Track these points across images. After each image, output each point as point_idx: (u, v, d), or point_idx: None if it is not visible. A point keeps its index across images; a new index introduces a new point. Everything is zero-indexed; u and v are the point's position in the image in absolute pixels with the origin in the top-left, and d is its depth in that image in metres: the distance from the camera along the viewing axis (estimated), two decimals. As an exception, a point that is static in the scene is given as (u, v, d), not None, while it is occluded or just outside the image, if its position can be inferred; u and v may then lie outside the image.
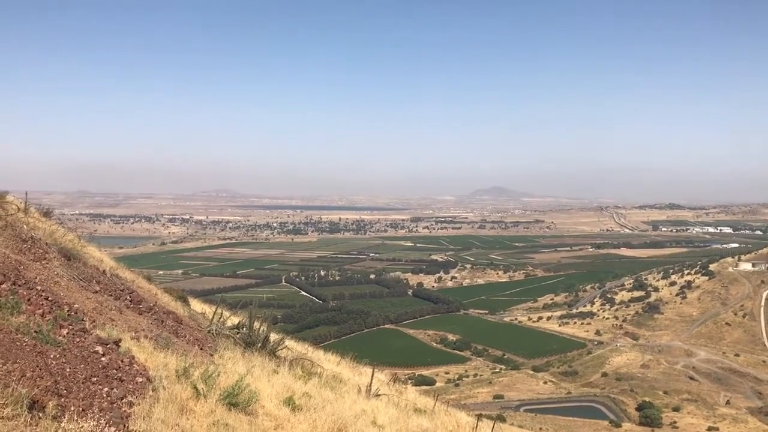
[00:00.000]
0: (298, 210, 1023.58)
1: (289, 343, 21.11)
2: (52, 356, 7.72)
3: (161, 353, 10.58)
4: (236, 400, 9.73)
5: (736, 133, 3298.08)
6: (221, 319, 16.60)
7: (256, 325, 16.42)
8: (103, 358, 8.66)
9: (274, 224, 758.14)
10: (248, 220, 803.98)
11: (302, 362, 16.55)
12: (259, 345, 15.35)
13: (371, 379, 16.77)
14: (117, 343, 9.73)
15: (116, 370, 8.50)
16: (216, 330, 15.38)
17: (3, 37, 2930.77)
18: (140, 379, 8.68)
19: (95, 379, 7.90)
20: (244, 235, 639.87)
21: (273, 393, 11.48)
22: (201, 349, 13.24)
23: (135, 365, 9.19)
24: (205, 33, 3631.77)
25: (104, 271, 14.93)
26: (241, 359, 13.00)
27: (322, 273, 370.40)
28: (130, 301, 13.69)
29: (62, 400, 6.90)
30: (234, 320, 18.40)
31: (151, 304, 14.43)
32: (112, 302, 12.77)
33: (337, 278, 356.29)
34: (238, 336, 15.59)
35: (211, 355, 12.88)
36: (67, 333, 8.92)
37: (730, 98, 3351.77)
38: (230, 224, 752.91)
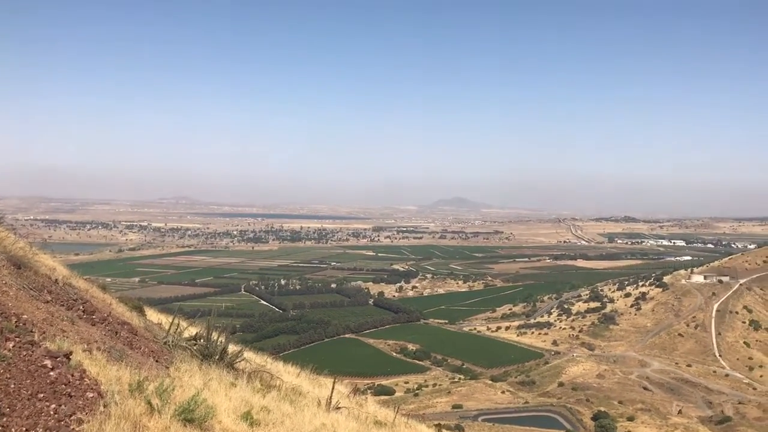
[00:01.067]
0: (259, 218, 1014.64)
1: (248, 354, 20.71)
2: (-4, 371, 7.33)
3: (114, 366, 10.18)
4: (192, 416, 9.39)
5: (690, 148, 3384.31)
6: (178, 330, 16.17)
7: (214, 335, 16.03)
8: (51, 373, 8.27)
9: (234, 232, 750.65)
10: (208, 228, 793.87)
11: (261, 375, 16.21)
12: (217, 357, 14.97)
13: (331, 392, 16.52)
14: (67, 356, 9.32)
15: (65, 385, 8.12)
16: (172, 341, 14.96)
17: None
18: (91, 395, 8.31)
19: (42, 395, 7.53)
20: (203, 243, 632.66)
21: (230, 407, 11.15)
22: (156, 361, 12.84)
23: (86, 379, 8.80)
24: (164, 36, 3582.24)
25: (56, 280, 14.40)
26: (198, 372, 12.63)
27: (283, 282, 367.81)
28: (83, 312, 13.21)
29: (4, 419, 6.54)
30: (192, 331, 17.95)
31: (105, 315, 13.96)
32: (64, 313, 12.29)
33: (298, 287, 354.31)
34: (195, 348, 15.18)
35: (167, 367, 12.49)
36: (14, 346, 8.50)
37: (685, 114, 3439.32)
38: (189, 232, 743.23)
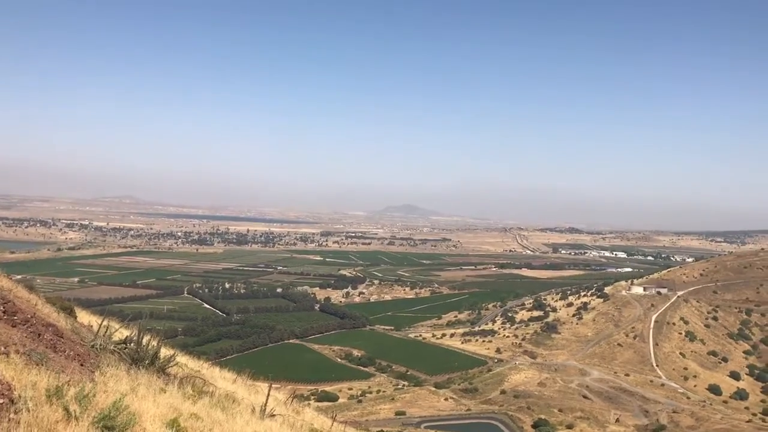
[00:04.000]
0: (205, 220, 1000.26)
1: (183, 359, 20.14)
2: None
3: (33, 370, 9.65)
4: (113, 423, 8.95)
5: (634, 163, 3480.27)
6: (108, 333, 15.56)
7: (146, 339, 15.47)
8: (-42, 377, 7.76)
9: (179, 233, 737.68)
10: (151, 229, 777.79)
11: (194, 380, 15.71)
12: (148, 361, 14.44)
13: (266, 398, 16.14)
14: (-20, 359, 8.80)
15: (-28, 390, 7.63)
16: (101, 345, 14.36)
17: None
18: (0, 400, 7.83)
19: (-56, 401, 7.04)
20: (146, 244, 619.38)
21: (157, 414, 10.71)
22: (81, 365, 12.29)
23: (-2, 384, 8.30)
24: (109, 30, 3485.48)
25: (-24, 278, 13.68)
26: (126, 377, 12.14)
27: (227, 285, 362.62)
28: (4, 312, 12.55)
29: None
30: (123, 334, 17.31)
31: (29, 316, 13.30)
32: (-18, 313, 11.66)
33: (243, 291, 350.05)
34: (125, 351, 14.62)
35: (92, 372, 11.96)
36: None
37: (630, 129, 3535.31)
38: (132, 232, 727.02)
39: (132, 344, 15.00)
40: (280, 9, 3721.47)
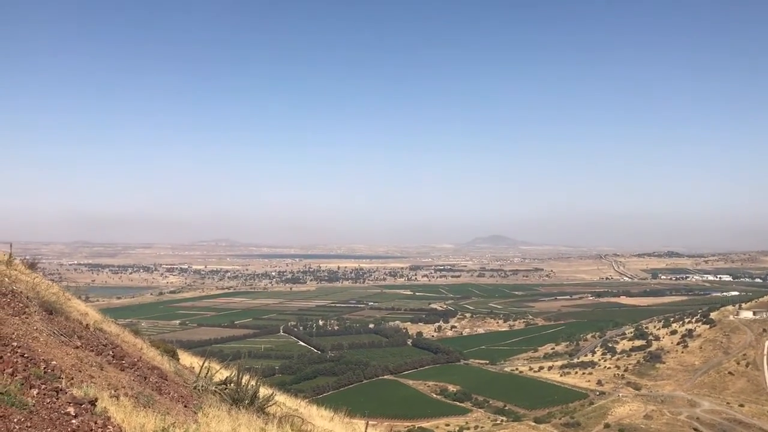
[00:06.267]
0: (297, 258, 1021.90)
1: (281, 398, 20.46)
2: (15, 420, 7.26)
3: (141, 412, 10.07)
4: (216, 464, 9.19)
5: (734, 181, 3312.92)
6: (209, 374, 16.06)
7: (245, 379, 15.86)
8: (74, 420, 8.19)
9: (273, 273, 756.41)
10: (247, 270, 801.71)
11: (292, 419, 15.93)
12: (248, 401, 14.79)
13: (364, 437, 16.15)
14: (93, 402, 9.26)
15: (87, 433, 8.02)
16: (202, 386, 14.85)
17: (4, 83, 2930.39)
18: (113, 443, 8.19)
19: (62, 444, 7.43)
20: (242, 285, 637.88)
21: (258, 454, 10.92)
22: (185, 406, 12.72)
23: (109, 427, 8.70)
24: (199, 84, 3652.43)
25: (87, 325, 14.48)
26: (227, 417, 12.46)
27: (321, 322, 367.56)
28: (113, 357, 13.21)
29: (17, 471, 6.43)
30: (224, 374, 17.82)
31: (135, 359, 13.94)
32: (93, 358, 12.30)
33: (336, 328, 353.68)
34: (225, 392, 15.04)
35: (195, 413, 12.35)
36: (38, 393, 8.46)
37: (730, 146, 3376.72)
38: (229, 273, 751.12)
39: (232, 384, 15.42)
40: (359, 47, 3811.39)
